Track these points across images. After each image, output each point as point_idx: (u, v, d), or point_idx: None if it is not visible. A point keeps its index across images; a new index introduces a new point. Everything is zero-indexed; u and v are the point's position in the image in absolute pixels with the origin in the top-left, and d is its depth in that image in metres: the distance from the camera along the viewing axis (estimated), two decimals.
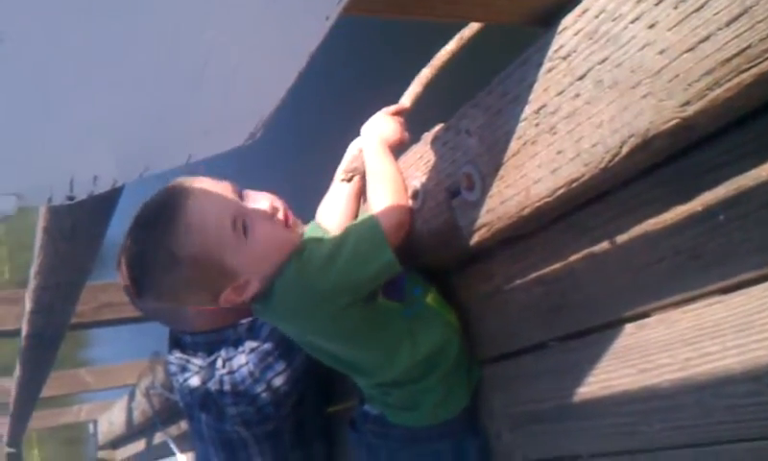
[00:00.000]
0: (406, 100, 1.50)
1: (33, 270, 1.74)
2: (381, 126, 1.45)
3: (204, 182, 1.31)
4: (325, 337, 1.41)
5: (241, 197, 1.34)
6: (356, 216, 1.57)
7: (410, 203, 1.38)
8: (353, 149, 1.54)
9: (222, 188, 1.31)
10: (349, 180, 1.52)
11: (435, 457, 1.48)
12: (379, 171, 1.39)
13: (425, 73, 1.51)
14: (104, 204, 1.34)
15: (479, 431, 1.50)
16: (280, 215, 1.34)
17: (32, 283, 1.84)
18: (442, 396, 1.44)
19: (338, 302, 1.29)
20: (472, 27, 1.42)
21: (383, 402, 1.51)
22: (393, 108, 1.50)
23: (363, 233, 1.29)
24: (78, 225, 1.42)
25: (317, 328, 1.38)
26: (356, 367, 1.47)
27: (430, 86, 1.51)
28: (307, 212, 1.63)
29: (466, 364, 1.47)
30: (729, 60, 0.80)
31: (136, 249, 1.29)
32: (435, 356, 1.41)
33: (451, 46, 1.46)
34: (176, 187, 1.29)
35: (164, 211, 1.27)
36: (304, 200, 1.71)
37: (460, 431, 1.47)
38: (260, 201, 1.34)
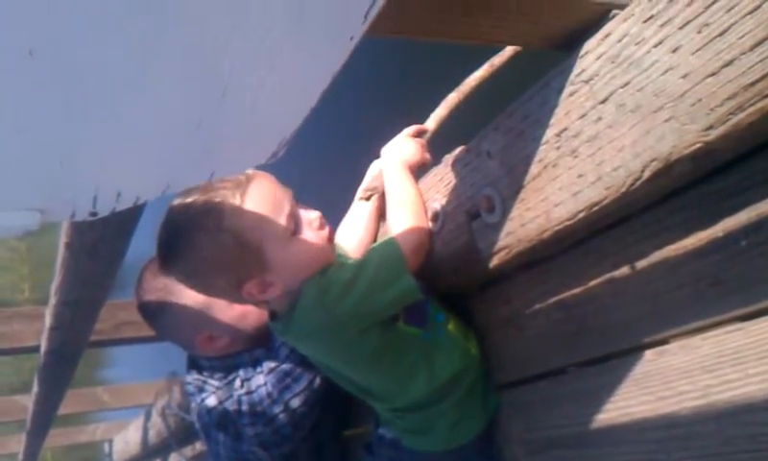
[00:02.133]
0: (431, 123, 1.51)
1: (53, 286, 1.74)
2: (402, 147, 1.45)
3: (268, 176, 1.30)
4: (342, 361, 1.41)
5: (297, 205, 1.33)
6: (376, 236, 1.57)
7: (430, 225, 1.38)
8: (374, 169, 1.55)
9: (283, 188, 1.30)
10: (368, 198, 1.53)
11: None
12: (399, 192, 1.39)
13: (452, 97, 1.51)
14: (126, 221, 1.34)
15: (493, 457, 1.48)
16: (326, 231, 1.33)
17: (52, 299, 1.85)
18: (454, 421, 1.43)
19: (356, 326, 1.29)
20: (503, 55, 1.42)
21: (398, 426, 1.51)
22: (414, 128, 1.50)
23: (383, 258, 1.29)
24: (100, 241, 1.43)
25: (334, 352, 1.38)
26: (371, 392, 1.47)
27: (456, 111, 1.51)
28: None
29: (481, 390, 1.46)
30: (752, 84, 0.80)
31: (182, 214, 1.26)
32: (450, 383, 1.41)
33: (480, 73, 1.46)
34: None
35: (229, 181, 1.25)
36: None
37: (474, 457, 1.46)
38: (312, 212, 1.33)
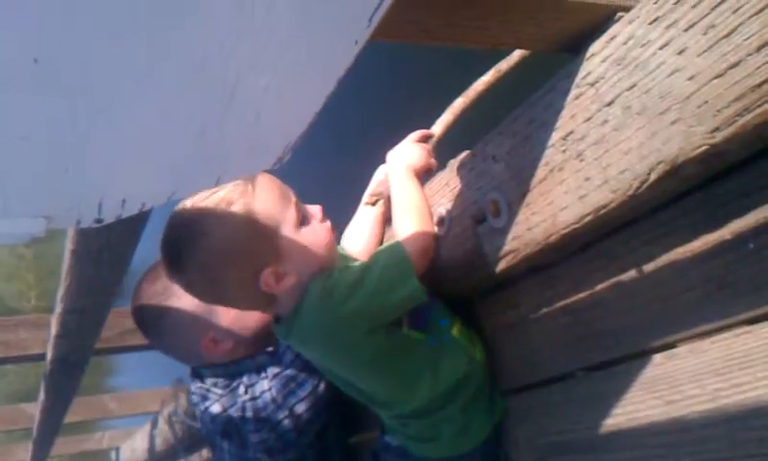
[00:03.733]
0: (437, 128, 1.51)
1: (59, 293, 1.75)
2: (408, 152, 1.45)
3: (273, 176, 1.31)
4: (345, 365, 1.41)
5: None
6: (381, 241, 1.57)
7: (435, 229, 1.38)
8: (380, 174, 1.55)
9: (287, 186, 1.33)
10: (374, 204, 1.53)
11: None
12: (405, 197, 1.39)
13: (458, 102, 1.50)
14: (132, 227, 1.35)
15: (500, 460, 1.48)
16: (328, 223, 1.36)
17: (58, 307, 1.85)
18: (461, 426, 1.42)
19: (360, 327, 1.29)
20: (510, 60, 1.42)
21: (403, 434, 1.50)
22: (419, 133, 1.50)
23: (389, 260, 1.29)
24: (106, 248, 1.43)
25: (337, 355, 1.38)
26: (375, 398, 1.46)
27: (462, 116, 1.50)
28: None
29: (487, 395, 1.45)
30: (759, 85, 0.80)
31: (189, 205, 1.25)
32: (455, 389, 1.40)
33: (487, 77, 1.46)
34: None
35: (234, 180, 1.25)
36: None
37: None
38: (314, 206, 1.36)
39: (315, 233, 1.31)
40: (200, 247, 1.23)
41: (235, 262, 1.26)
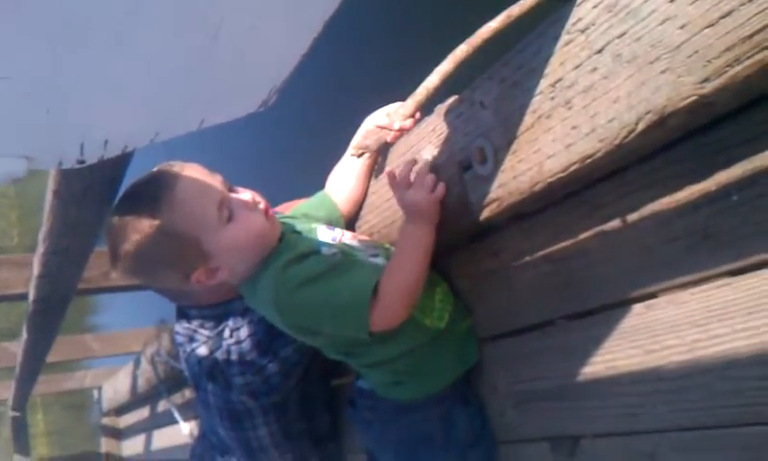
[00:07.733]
0: (434, 77, 1.43)
1: (41, 234, 1.74)
2: (418, 202, 1.34)
3: (196, 168, 1.34)
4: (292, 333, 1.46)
5: (229, 189, 1.36)
6: (365, 192, 1.57)
7: (410, 309, 1.33)
8: (368, 124, 1.52)
9: (212, 177, 1.34)
10: (359, 156, 1.51)
11: (423, 425, 1.50)
12: (411, 258, 1.33)
13: (461, 50, 1.40)
14: (114, 168, 1.34)
15: (469, 401, 1.51)
16: (262, 207, 1.37)
17: (40, 248, 1.85)
18: (422, 374, 1.46)
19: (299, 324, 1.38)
20: (523, 5, 1.32)
21: (370, 379, 1.55)
22: (384, 122, 1.44)
23: (351, 301, 1.29)
24: (88, 189, 1.42)
25: (282, 326, 1.43)
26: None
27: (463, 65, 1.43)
28: (314, 186, 1.64)
29: (455, 344, 1.48)
30: (750, 36, 0.79)
31: (120, 218, 1.32)
32: (407, 352, 1.43)
33: (495, 24, 1.36)
34: (167, 167, 1.33)
35: (153, 186, 1.30)
36: (310, 173, 1.72)
37: (447, 402, 1.49)
38: (244, 193, 1.37)
39: (242, 228, 1.33)
40: (132, 257, 1.31)
41: (165, 269, 1.36)
